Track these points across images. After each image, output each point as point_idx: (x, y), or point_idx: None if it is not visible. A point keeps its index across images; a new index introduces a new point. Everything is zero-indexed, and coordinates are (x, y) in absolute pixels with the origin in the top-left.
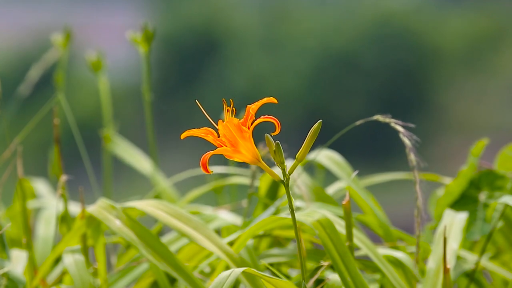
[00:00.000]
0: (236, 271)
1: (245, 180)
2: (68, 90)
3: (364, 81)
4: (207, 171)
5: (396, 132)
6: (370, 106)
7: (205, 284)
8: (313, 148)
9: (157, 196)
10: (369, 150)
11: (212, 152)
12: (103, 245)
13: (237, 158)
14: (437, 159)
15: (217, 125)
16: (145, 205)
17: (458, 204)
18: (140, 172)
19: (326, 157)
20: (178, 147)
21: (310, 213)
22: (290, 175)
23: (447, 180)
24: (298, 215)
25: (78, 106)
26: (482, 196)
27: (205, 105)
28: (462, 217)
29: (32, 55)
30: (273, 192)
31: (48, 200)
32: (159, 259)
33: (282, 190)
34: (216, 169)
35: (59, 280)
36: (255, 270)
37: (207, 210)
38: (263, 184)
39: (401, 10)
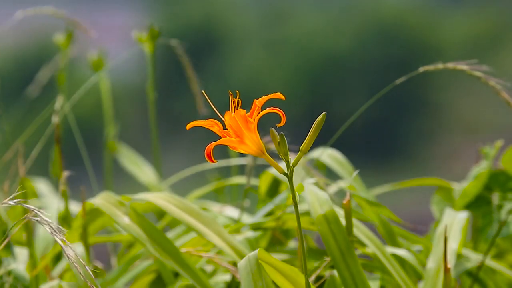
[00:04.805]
0: (253, 254)
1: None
2: (69, 90)
3: (364, 80)
4: (212, 160)
5: (396, 132)
6: (370, 105)
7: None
8: (314, 145)
9: None
10: (370, 150)
11: (217, 142)
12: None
13: (242, 150)
14: (437, 159)
15: (222, 116)
16: (157, 197)
17: (473, 205)
18: (142, 182)
19: (327, 155)
20: (178, 145)
21: (319, 203)
22: (294, 167)
23: (454, 185)
24: (306, 206)
25: (78, 105)
26: (495, 198)
27: (205, 103)
28: (462, 216)
29: (32, 55)
30: (273, 191)
31: (49, 200)
32: (165, 256)
33: (283, 188)
34: (231, 162)
35: (60, 278)
36: (269, 254)
37: (215, 207)
38: (263, 183)
39: (401, 9)
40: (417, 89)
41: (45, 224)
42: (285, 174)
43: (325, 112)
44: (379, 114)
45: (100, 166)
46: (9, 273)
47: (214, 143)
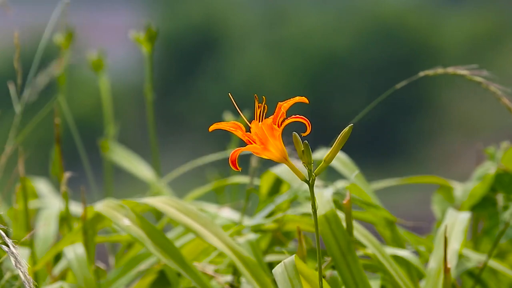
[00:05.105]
0: (289, 260)
1: (246, 180)
2: (68, 89)
3: (364, 80)
4: (237, 168)
5: (396, 132)
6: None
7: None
8: (317, 147)
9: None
10: (370, 150)
11: (242, 149)
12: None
13: (266, 156)
14: (437, 159)
15: (244, 116)
16: (156, 201)
17: (479, 206)
18: (139, 178)
19: None
20: (178, 144)
21: (321, 204)
22: (316, 176)
23: (455, 184)
24: (307, 208)
25: (78, 105)
26: (500, 199)
27: (205, 103)
28: (464, 217)
29: (32, 55)
30: (274, 192)
31: (49, 200)
32: (167, 256)
33: (284, 189)
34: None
35: (60, 278)
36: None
37: (211, 208)
38: (264, 183)
39: (401, 9)
40: (417, 90)
41: (11, 254)
42: (307, 182)
43: (352, 124)
44: (379, 115)
45: (100, 165)
46: (14, 277)
47: (239, 150)
